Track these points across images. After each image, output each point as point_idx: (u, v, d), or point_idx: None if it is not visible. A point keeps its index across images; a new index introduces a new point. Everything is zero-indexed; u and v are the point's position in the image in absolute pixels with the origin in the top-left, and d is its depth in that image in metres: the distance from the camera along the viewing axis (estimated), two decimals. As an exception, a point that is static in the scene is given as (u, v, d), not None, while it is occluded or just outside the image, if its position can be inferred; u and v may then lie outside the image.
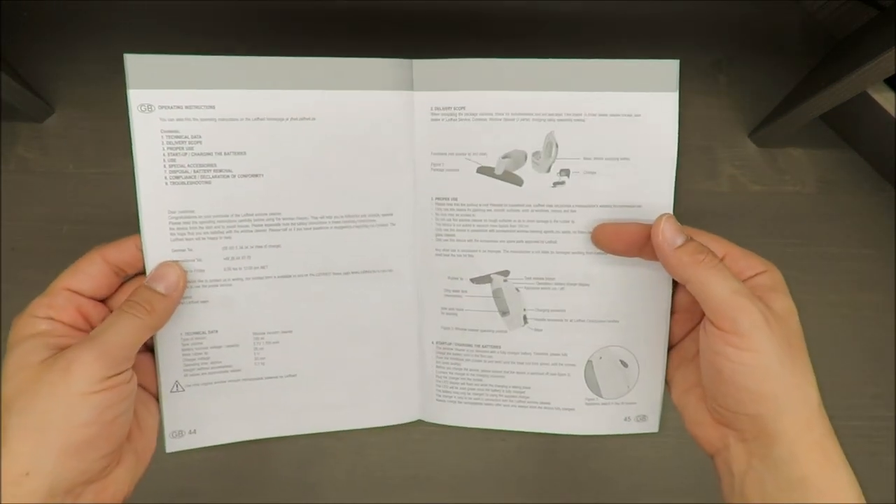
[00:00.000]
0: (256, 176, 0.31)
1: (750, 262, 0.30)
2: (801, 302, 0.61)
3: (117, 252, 0.30)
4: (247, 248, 0.31)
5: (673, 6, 0.64)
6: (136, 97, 0.29)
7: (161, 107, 0.30)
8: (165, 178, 0.30)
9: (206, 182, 0.30)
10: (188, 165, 0.30)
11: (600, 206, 0.32)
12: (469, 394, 0.35)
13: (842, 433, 0.59)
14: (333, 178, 0.32)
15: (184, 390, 0.32)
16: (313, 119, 0.31)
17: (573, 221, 0.32)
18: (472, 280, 0.33)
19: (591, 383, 0.34)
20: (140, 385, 0.31)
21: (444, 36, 0.64)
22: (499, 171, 0.32)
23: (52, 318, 0.28)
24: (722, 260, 0.29)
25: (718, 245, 0.30)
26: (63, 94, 0.61)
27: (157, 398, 0.32)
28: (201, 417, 0.33)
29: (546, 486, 0.58)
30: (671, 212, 0.31)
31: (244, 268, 0.32)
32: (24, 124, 0.60)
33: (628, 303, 0.33)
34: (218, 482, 0.56)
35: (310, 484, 0.57)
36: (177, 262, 0.30)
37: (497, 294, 0.33)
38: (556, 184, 0.32)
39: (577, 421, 0.34)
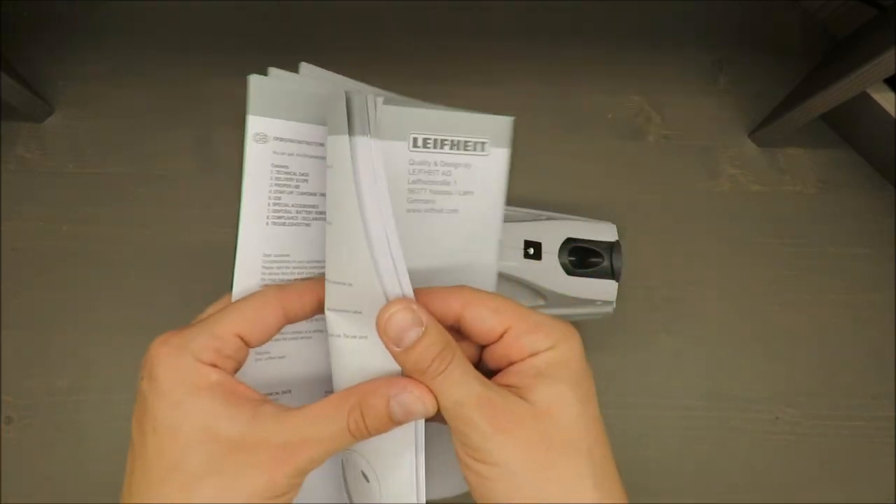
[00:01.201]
0: None
1: (535, 338, 0.24)
2: (801, 302, 0.61)
3: (299, 301, 0.25)
4: None
5: (673, 6, 0.64)
6: (254, 125, 0.26)
7: (275, 138, 0.26)
8: (268, 217, 0.26)
9: (307, 224, 0.27)
10: (291, 205, 0.26)
11: None
12: None
13: (842, 433, 0.59)
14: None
15: None
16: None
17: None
18: None
19: (347, 485, 0.29)
20: None
21: (445, 36, 0.64)
22: None
23: (218, 367, 0.23)
24: (503, 335, 0.24)
25: (501, 318, 0.24)
26: (63, 94, 0.61)
27: None
28: None
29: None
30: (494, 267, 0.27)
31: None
32: (24, 124, 0.60)
33: None
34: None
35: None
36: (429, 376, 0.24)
37: None
38: None
39: None
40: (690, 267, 0.60)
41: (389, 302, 0.23)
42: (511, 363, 0.24)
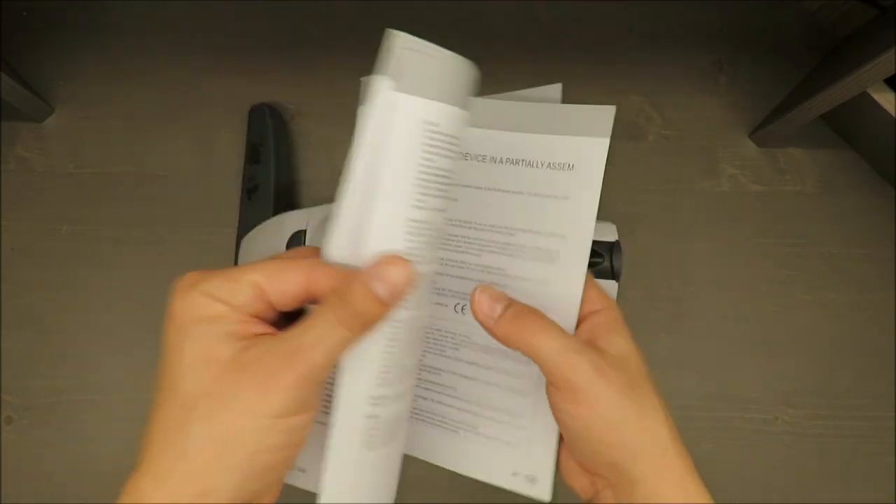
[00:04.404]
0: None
1: (591, 295, 0.30)
2: (801, 302, 0.61)
3: (327, 281, 0.23)
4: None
5: (673, 6, 0.64)
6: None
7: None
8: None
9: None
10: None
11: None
12: None
13: (842, 433, 0.59)
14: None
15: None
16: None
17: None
18: None
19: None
20: None
21: (445, 37, 0.64)
22: None
23: (230, 304, 0.23)
24: None
25: None
26: (63, 94, 0.61)
27: None
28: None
29: (546, 486, 0.58)
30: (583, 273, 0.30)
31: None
32: (24, 124, 0.60)
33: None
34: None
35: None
36: (406, 260, 0.23)
37: None
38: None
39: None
40: (690, 267, 0.60)
41: (472, 292, 0.28)
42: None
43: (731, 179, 0.62)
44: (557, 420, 0.28)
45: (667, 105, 0.63)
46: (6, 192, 0.59)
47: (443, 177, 0.25)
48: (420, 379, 0.33)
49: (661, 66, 0.64)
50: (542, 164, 0.31)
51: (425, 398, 0.33)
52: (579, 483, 0.30)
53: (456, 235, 0.32)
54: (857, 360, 0.59)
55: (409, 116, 0.23)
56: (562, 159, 0.31)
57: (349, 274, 0.23)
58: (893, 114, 0.53)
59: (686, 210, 0.61)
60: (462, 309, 0.33)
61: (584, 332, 0.29)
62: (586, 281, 0.30)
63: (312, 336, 0.22)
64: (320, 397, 0.23)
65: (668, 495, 0.26)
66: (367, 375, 0.24)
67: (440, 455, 0.33)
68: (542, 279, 0.31)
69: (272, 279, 0.23)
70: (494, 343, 0.29)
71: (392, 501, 0.28)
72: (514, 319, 0.27)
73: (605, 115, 0.30)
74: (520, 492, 0.32)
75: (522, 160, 0.31)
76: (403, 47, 0.23)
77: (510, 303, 0.28)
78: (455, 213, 0.32)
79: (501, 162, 0.32)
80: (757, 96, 0.63)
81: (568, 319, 0.30)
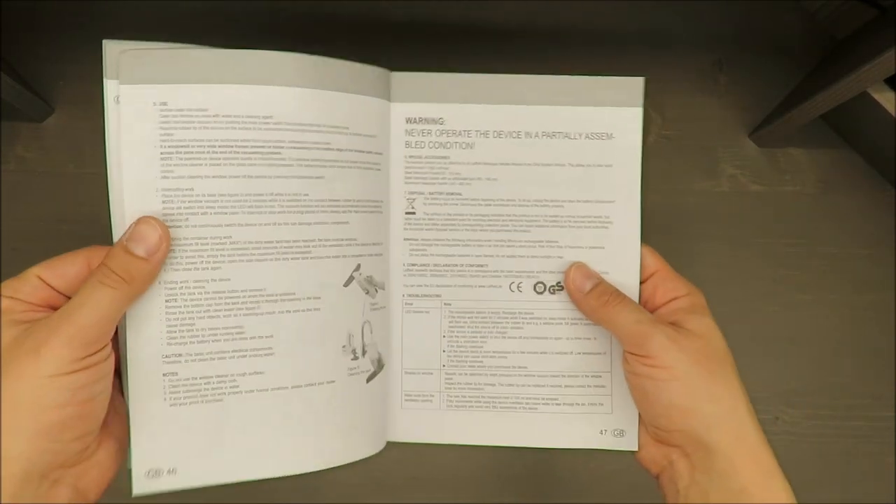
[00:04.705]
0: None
1: (675, 285, 0.32)
2: (801, 302, 0.61)
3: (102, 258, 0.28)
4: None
5: (673, 6, 0.64)
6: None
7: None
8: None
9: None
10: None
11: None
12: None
13: (842, 433, 0.59)
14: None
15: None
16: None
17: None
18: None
19: None
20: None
21: (444, 36, 0.64)
22: None
23: (15, 298, 0.26)
24: (653, 276, 0.32)
25: (653, 259, 0.33)
26: (63, 94, 0.61)
27: None
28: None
29: (547, 486, 0.58)
30: (639, 233, 0.33)
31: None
32: (24, 124, 0.60)
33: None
34: (218, 482, 0.56)
35: (310, 484, 0.56)
36: (156, 218, 0.28)
37: None
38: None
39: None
40: (690, 267, 0.60)
41: (569, 267, 0.32)
42: (655, 308, 0.31)
43: (731, 179, 0.62)
44: (633, 388, 0.30)
45: (667, 105, 0.63)
46: (6, 192, 0.59)
47: (195, 146, 0.28)
48: (484, 366, 0.33)
49: (661, 66, 0.64)
50: (580, 136, 0.33)
51: (493, 384, 0.34)
52: (651, 456, 0.31)
53: (500, 215, 0.33)
54: (857, 361, 0.59)
55: (134, 102, 0.28)
56: (599, 129, 0.33)
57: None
58: (893, 114, 0.53)
59: (686, 210, 0.61)
60: (518, 287, 0.33)
61: (665, 315, 0.31)
62: (667, 273, 0.32)
63: (78, 300, 0.25)
64: (102, 355, 0.25)
65: (744, 467, 0.27)
66: (152, 335, 0.28)
67: (521, 436, 0.33)
68: (598, 244, 0.33)
69: (52, 269, 0.27)
70: (558, 313, 0.33)
71: (255, 475, 0.32)
72: (598, 296, 0.30)
73: (634, 86, 0.33)
74: (610, 447, 0.33)
75: (559, 133, 0.33)
76: (118, 51, 0.28)
77: (600, 282, 0.31)
78: (497, 193, 0.33)
79: (538, 136, 0.33)
80: (757, 96, 0.63)
81: (630, 279, 0.32)
